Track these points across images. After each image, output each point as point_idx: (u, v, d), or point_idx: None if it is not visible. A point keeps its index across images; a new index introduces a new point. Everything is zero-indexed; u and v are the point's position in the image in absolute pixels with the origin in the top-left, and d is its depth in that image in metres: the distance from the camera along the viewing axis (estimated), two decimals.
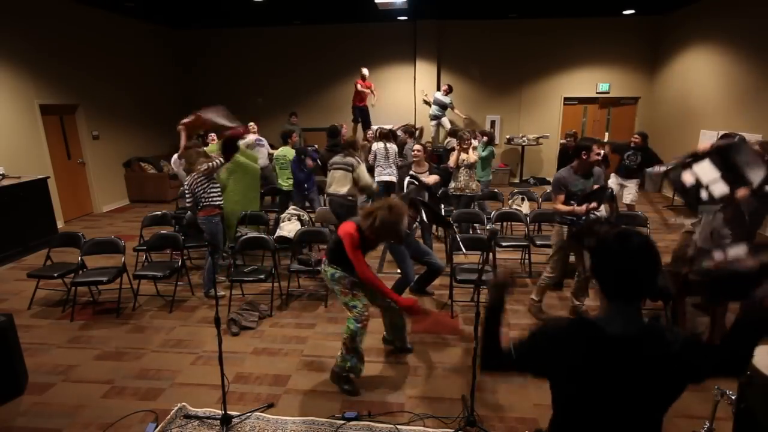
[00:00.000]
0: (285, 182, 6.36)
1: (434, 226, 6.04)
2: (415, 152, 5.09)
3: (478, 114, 10.68)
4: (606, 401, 1.27)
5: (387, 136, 6.51)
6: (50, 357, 3.64)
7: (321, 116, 10.68)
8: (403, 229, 2.99)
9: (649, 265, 1.25)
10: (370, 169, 6.64)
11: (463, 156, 5.59)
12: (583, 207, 3.68)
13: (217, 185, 4.54)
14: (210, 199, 4.44)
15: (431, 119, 9.88)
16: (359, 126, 9.62)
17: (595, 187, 3.78)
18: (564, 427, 1.39)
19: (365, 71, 9.21)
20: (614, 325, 1.25)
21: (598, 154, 3.74)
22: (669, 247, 4.47)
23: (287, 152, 6.28)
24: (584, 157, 3.71)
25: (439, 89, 10.01)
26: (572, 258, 4.14)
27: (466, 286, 4.28)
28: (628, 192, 6.21)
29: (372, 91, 9.39)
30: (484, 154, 6.49)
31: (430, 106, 9.93)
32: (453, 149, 6.06)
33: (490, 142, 6.85)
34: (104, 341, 3.87)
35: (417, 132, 8.88)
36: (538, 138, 10.33)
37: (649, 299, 3.72)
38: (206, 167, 4.37)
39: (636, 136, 6.34)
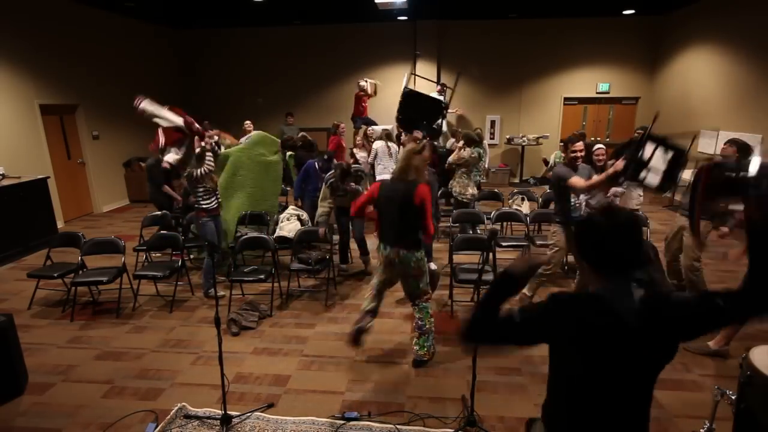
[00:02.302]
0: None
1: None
2: None
3: (478, 114, 10.68)
4: (606, 369, 1.29)
5: (389, 135, 6.52)
6: (50, 357, 3.63)
7: (321, 116, 10.69)
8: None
9: (638, 237, 1.31)
10: (371, 168, 6.66)
11: (453, 156, 5.68)
12: (620, 163, 3.40)
13: (202, 188, 4.44)
14: (198, 202, 4.45)
15: None
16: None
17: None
18: (559, 406, 1.40)
19: (363, 83, 9.06)
20: (617, 300, 1.27)
21: (573, 151, 3.79)
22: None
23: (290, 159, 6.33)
24: (565, 153, 3.81)
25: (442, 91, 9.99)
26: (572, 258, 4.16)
27: (466, 286, 4.28)
28: (631, 197, 5.51)
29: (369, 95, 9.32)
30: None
31: None
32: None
33: (476, 143, 6.62)
34: (104, 341, 3.87)
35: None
36: (538, 138, 10.33)
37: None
38: (190, 173, 4.39)
39: (638, 131, 6.25)
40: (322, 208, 4.91)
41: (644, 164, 3.09)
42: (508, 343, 1.42)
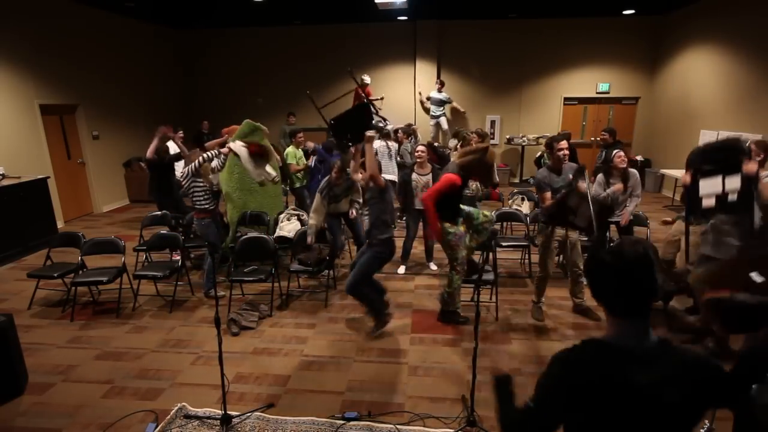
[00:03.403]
0: (299, 181, 6.36)
1: None
2: (419, 153, 5.02)
3: (478, 114, 10.68)
4: (622, 427, 1.18)
5: (388, 135, 6.52)
6: (50, 357, 3.64)
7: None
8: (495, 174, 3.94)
9: (650, 272, 1.18)
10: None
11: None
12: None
13: (202, 189, 4.43)
14: (197, 203, 4.45)
15: (431, 119, 9.88)
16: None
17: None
18: None
19: (366, 78, 9.18)
20: (626, 343, 1.18)
21: (559, 149, 3.84)
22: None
23: (292, 152, 6.26)
24: (551, 154, 3.92)
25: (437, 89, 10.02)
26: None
27: (467, 286, 4.28)
28: (631, 200, 5.04)
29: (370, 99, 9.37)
30: None
31: (427, 111, 9.92)
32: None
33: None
34: (104, 341, 3.87)
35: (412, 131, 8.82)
36: (538, 138, 10.33)
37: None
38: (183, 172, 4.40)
39: (603, 133, 6.30)
40: (312, 220, 4.64)
41: (571, 211, 3.43)
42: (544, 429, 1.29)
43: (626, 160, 4.54)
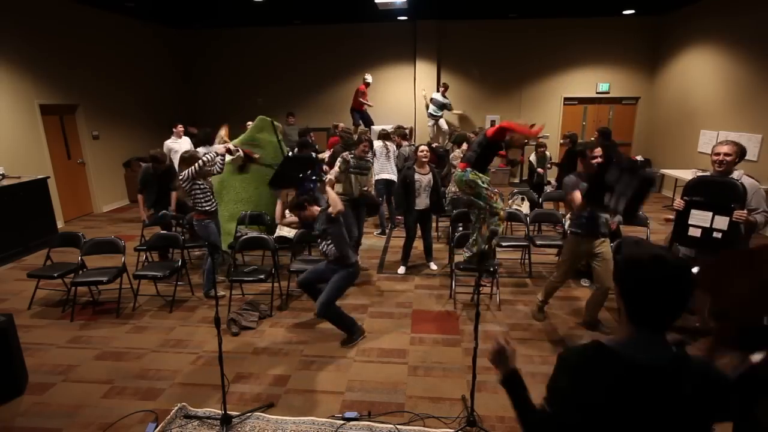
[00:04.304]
0: None
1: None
2: (424, 153, 5.00)
3: (478, 114, 10.68)
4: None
5: (387, 135, 6.53)
6: (50, 357, 3.64)
7: (320, 116, 10.69)
8: None
9: (688, 287, 1.13)
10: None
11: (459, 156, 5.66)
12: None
13: (202, 191, 4.42)
14: (197, 204, 4.45)
15: (429, 117, 9.88)
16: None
17: None
18: None
19: (368, 77, 9.24)
20: (641, 354, 1.13)
21: (594, 157, 3.67)
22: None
23: None
24: (583, 163, 3.69)
25: (438, 90, 10.02)
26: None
27: (469, 274, 4.29)
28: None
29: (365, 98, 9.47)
30: None
31: (428, 108, 9.92)
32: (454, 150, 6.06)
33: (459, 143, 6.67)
34: (104, 341, 3.87)
35: (408, 133, 8.81)
36: (538, 138, 10.32)
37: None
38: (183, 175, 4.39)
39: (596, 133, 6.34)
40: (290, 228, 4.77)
41: (608, 189, 3.05)
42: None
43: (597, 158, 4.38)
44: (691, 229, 3.28)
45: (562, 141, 8.39)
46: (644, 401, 1.11)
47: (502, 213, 4.30)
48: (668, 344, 1.16)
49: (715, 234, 3.18)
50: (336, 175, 4.78)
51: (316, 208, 3.85)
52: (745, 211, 3.13)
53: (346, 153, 5.00)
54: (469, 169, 4.28)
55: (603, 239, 3.67)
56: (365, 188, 5.06)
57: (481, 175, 4.30)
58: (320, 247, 3.82)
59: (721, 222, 3.15)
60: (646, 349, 1.14)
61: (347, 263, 3.73)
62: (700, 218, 3.25)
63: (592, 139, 6.26)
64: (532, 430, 1.31)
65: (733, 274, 1.74)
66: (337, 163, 4.94)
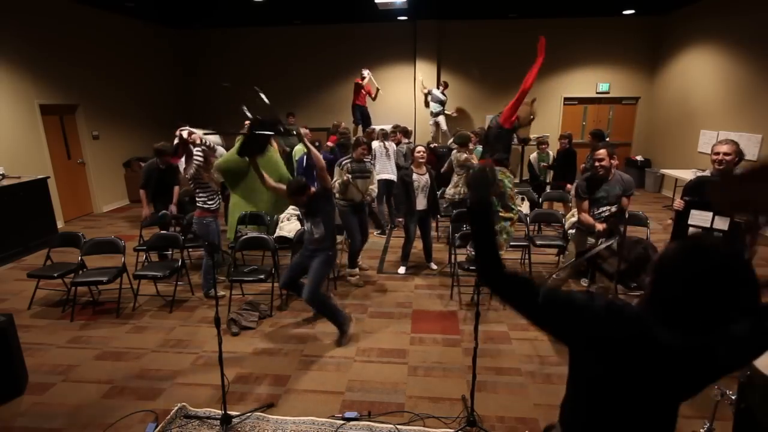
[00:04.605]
0: None
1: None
2: (420, 153, 5.00)
3: (478, 114, 10.68)
4: (632, 389, 1.10)
5: (386, 135, 6.53)
6: (50, 357, 3.63)
7: (320, 116, 10.69)
8: None
9: (734, 291, 0.94)
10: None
11: (462, 157, 5.63)
12: (601, 226, 3.67)
13: (206, 189, 4.44)
14: (200, 202, 4.45)
15: (432, 116, 9.88)
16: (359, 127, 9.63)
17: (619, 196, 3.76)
18: (578, 409, 1.23)
19: (367, 72, 9.22)
20: (666, 333, 1.02)
21: (598, 159, 3.68)
22: None
23: (300, 149, 6.25)
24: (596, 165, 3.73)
25: (438, 87, 10.02)
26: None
27: (469, 274, 4.29)
28: None
29: (368, 92, 9.41)
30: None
31: (427, 105, 9.91)
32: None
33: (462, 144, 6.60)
34: (104, 341, 3.87)
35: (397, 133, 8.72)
36: (538, 138, 10.31)
37: None
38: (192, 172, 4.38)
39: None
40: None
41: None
42: (521, 313, 1.19)
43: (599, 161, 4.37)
44: (690, 229, 3.28)
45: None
46: (652, 367, 1.04)
47: (515, 216, 4.31)
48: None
49: (715, 234, 3.18)
50: (338, 184, 4.72)
51: (312, 189, 3.83)
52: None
53: (346, 161, 4.81)
54: (499, 168, 4.33)
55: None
56: (368, 194, 4.91)
57: (509, 175, 4.41)
58: (306, 227, 3.82)
59: (722, 222, 3.15)
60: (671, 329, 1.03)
61: (328, 246, 3.72)
62: (700, 218, 3.25)
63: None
64: (492, 273, 1.19)
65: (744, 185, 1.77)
66: (336, 173, 4.80)
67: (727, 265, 0.96)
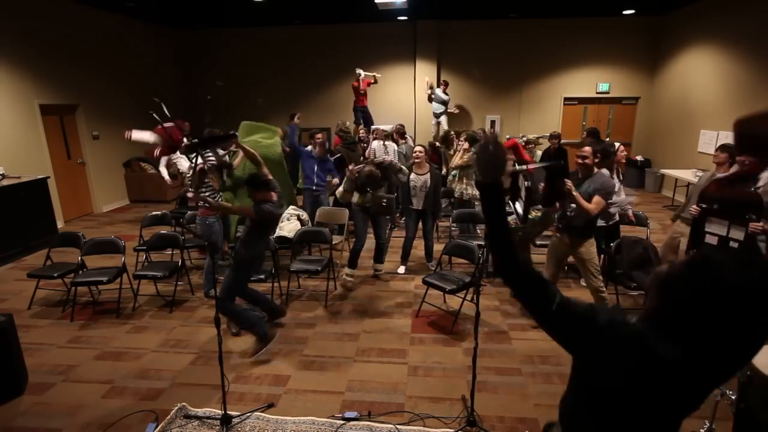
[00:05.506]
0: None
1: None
2: (417, 153, 5.01)
3: (478, 114, 10.68)
4: (633, 404, 1.08)
5: (386, 135, 6.53)
6: (50, 357, 3.63)
7: (321, 116, 10.70)
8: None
9: (739, 312, 0.89)
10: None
11: (458, 160, 5.65)
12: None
13: (209, 188, 4.45)
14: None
15: (435, 117, 9.88)
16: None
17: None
18: (579, 418, 1.21)
19: (359, 72, 9.19)
20: (668, 348, 1.00)
21: (582, 156, 3.58)
22: None
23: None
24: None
25: (439, 86, 10.02)
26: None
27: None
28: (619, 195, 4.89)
29: (368, 84, 9.38)
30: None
31: (431, 100, 9.90)
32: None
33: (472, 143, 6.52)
34: (104, 341, 3.87)
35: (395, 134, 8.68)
36: (537, 138, 10.32)
37: None
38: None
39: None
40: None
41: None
42: (532, 314, 1.19)
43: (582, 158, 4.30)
44: (707, 236, 3.20)
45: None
46: (656, 382, 1.02)
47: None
48: None
49: (731, 243, 3.08)
50: (343, 189, 4.72)
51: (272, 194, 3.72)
52: (761, 223, 2.97)
53: (354, 170, 4.66)
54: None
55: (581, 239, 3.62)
56: (399, 178, 4.84)
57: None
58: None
59: (737, 232, 3.05)
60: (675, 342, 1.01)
61: (242, 257, 3.69)
62: (716, 227, 3.16)
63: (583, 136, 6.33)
64: (508, 267, 1.15)
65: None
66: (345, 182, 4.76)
67: (735, 285, 0.92)
